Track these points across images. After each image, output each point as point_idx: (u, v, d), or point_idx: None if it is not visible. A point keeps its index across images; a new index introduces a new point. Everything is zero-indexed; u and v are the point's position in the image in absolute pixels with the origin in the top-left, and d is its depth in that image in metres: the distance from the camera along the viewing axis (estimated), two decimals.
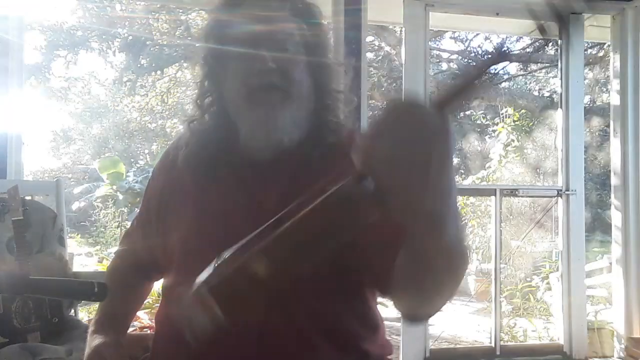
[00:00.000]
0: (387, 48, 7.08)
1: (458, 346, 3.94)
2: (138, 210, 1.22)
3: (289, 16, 1.01)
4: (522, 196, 4.72)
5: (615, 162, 3.34)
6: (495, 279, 3.31)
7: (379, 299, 1.05)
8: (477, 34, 9.54)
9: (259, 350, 0.94)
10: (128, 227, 1.28)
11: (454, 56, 9.69)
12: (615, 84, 3.36)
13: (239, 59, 0.99)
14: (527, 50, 8.92)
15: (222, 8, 1.04)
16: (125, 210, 10.11)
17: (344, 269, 0.90)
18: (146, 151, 15.44)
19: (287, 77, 0.97)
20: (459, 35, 9.77)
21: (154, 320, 1.19)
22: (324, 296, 0.95)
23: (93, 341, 1.04)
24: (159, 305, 1.15)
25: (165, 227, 1.07)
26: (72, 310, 2.01)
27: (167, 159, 1.14)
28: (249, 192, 1.01)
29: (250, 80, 0.97)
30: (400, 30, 3.28)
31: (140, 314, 3.79)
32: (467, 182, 7.16)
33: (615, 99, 3.36)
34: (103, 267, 5.15)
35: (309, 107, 1.02)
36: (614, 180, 3.36)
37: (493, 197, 3.37)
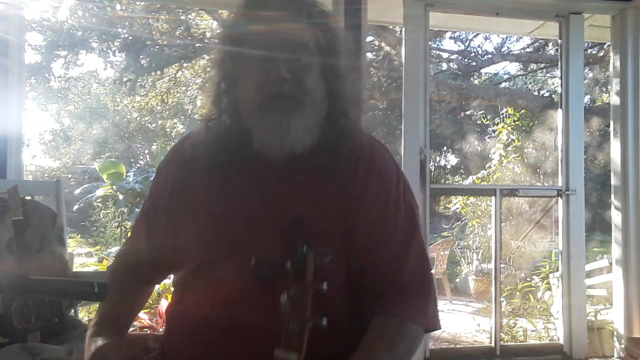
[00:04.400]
0: (387, 48, 7.07)
1: (458, 346, 3.93)
2: (140, 210, 1.22)
3: (305, 23, 1.02)
4: (522, 196, 4.72)
5: (615, 162, 3.33)
6: (495, 279, 3.31)
7: None
8: (477, 34, 9.53)
9: (269, 346, 0.94)
10: (130, 229, 1.28)
11: (454, 56, 9.68)
12: (615, 84, 3.36)
13: (255, 66, 1.00)
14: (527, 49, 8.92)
15: (240, 12, 1.05)
16: (125, 210, 10.11)
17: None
18: (146, 151, 15.45)
19: (299, 87, 1.00)
20: (459, 35, 9.77)
21: (164, 316, 1.18)
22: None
23: (94, 343, 1.04)
24: (170, 301, 1.15)
25: (177, 222, 1.07)
26: (72, 310, 2.01)
27: (177, 156, 1.14)
28: (267, 189, 1.03)
29: (264, 89, 0.99)
30: (400, 30, 3.28)
31: (140, 314, 3.79)
32: (467, 182, 7.15)
33: (615, 99, 3.36)
34: (103, 267, 5.15)
35: (322, 113, 1.04)
36: (614, 180, 3.36)
37: (493, 197, 3.37)
